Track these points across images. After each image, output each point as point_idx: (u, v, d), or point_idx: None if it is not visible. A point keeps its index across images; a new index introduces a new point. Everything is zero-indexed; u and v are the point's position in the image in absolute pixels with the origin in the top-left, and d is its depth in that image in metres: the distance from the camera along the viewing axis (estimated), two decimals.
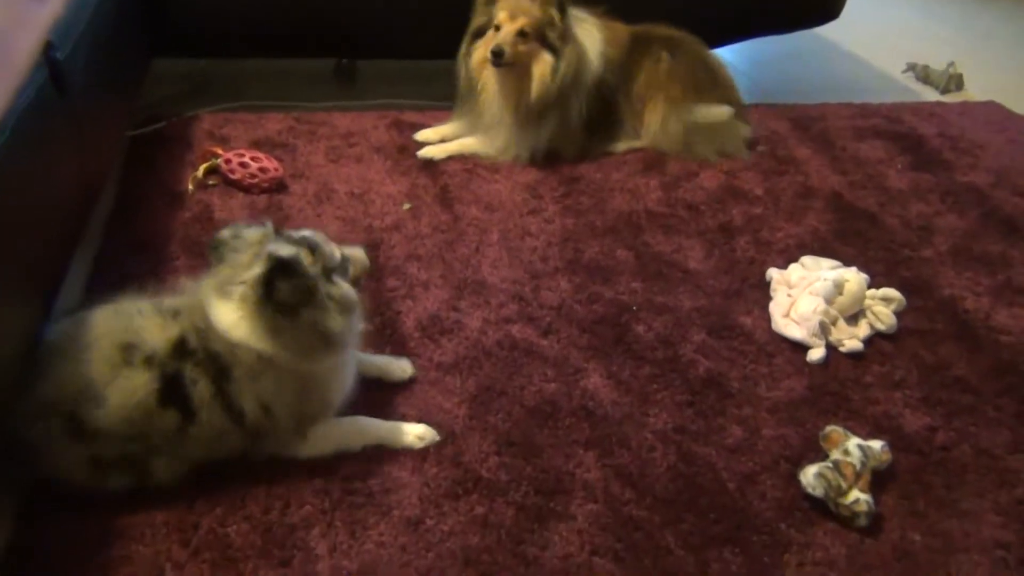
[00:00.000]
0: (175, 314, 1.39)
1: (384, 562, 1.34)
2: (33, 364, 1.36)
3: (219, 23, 2.55)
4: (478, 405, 1.63)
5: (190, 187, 2.18)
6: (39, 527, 1.35)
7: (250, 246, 1.39)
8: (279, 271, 1.33)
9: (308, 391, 1.44)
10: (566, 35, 2.36)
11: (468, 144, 2.47)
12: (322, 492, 1.43)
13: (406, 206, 2.20)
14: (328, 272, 1.41)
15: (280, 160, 2.27)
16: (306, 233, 1.43)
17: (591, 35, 2.45)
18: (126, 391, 1.32)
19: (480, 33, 2.40)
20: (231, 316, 1.36)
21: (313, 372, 1.43)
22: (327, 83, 2.88)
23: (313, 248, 1.39)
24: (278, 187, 2.21)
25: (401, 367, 1.67)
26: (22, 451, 1.35)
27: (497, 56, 2.29)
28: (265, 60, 2.86)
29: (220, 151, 2.24)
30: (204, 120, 2.50)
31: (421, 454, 1.52)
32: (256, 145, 2.36)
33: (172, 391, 1.34)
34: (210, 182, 2.21)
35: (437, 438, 1.55)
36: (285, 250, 1.35)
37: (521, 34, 2.31)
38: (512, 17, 2.31)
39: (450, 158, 2.43)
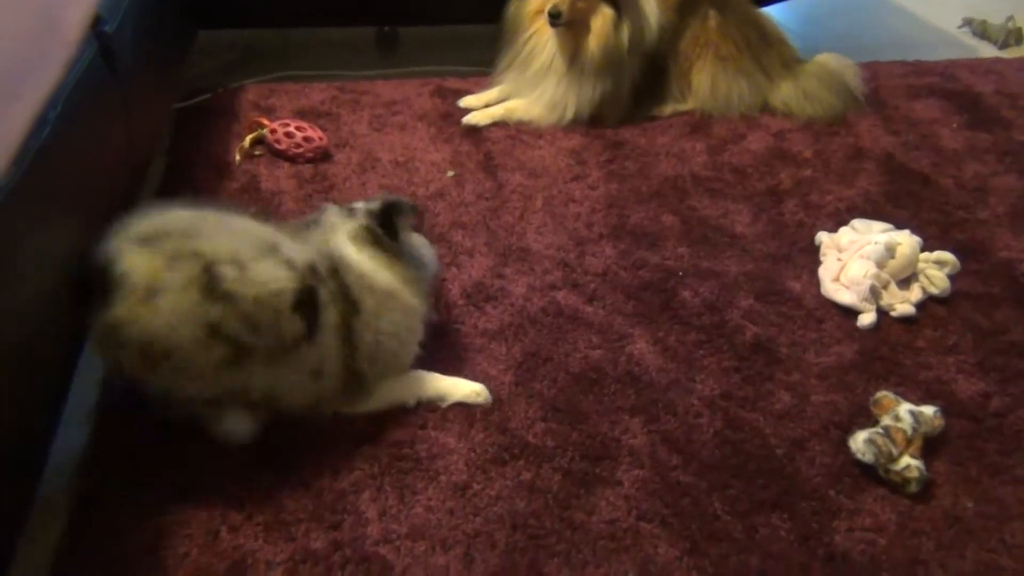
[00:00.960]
0: (305, 241, 1.46)
1: (432, 525, 1.36)
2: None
3: None
4: (524, 372, 1.64)
5: (237, 158, 2.20)
6: (102, 488, 1.39)
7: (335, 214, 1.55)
8: (392, 209, 1.52)
9: (412, 333, 1.54)
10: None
11: (513, 107, 2.45)
12: (371, 458, 1.46)
13: (450, 173, 2.20)
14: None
15: (324, 130, 2.28)
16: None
17: (650, 3, 2.40)
18: (269, 274, 1.32)
19: None
20: (359, 253, 1.47)
21: (418, 312, 1.53)
22: (369, 51, 2.87)
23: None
24: (323, 156, 2.23)
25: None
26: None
27: (554, 17, 2.26)
28: (308, 30, 2.86)
29: (265, 122, 2.26)
30: (249, 91, 2.52)
31: (468, 420, 1.54)
32: (301, 115, 2.37)
33: (306, 302, 1.34)
34: (256, 152, 2.23)
35: (491, 399, 1.57)
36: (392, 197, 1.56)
37: None
38: None
39: (493, 124, 2.41)
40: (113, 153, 1.67)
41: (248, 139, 2.23)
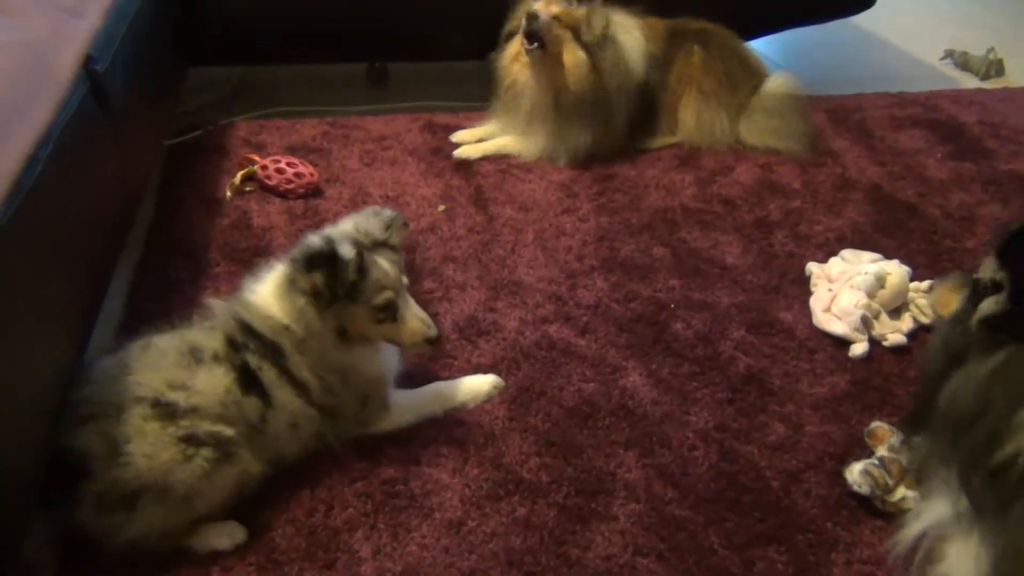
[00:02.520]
0: (211, 328, 1.44)
1: (427, 564, 1.34)
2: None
3: (253, 30, 2.57)
4: (517, 406, 1.63)
5: (228, 194, 2.20)
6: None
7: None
8: (316, 261, 1.39)
9: (348, 375, 1.48)
10: (603, 41, 2.34)
11: (504, 144, 2.46)
12: (364, 495, 1.44)
13: (441, 208, 2.21)
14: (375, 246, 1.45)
15: (315, 165, 2.28)
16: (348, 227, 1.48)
17: (633, 36, 2.43)
18: (213, 380, 1.35)
19: (515, 34, 2.38)
20: (267, 294, 1.45)
21: (344, 360, 1.46)
22: (360, 87, 2.89)
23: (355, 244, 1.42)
24: (314, 192, 2.23)
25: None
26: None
27: (532, 21, 2.26)
28: (298, 66, 2.89)
29: (256, 158, 2.26)
30: (240, 127, 2.53)
31: (462, 455, 1.52)
32: (291, 151, 2.38)
33: (248, 379, 1.38)
34: (247, 188, 2.23)
35: (502, 384, 1.66)
36: (317, 242, 1.43)
37: (556, 19, 2.29)
38: (547, 2, 2.30)
39: (484, 158, 2.43)
40: (104, 191, 1.67)
41: (239, 175, 2.23)
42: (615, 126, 2.43)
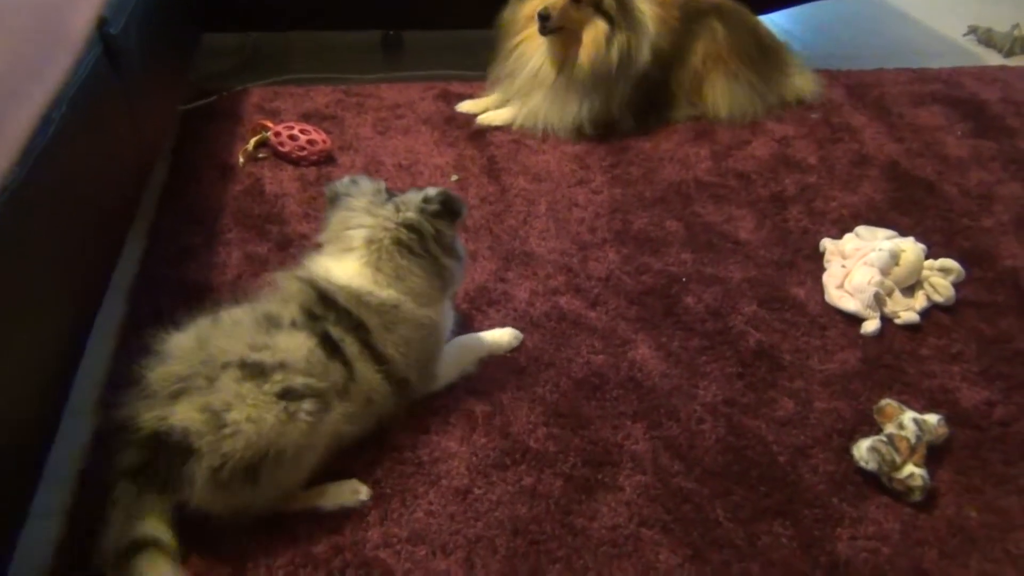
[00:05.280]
0: (283, 300, 1.41)
1: (433, 530, 1.36)
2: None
3: None
4: (526, 376, 1.63)
5: (241, 160, 2.20)
6: (97, 493, 1.38)
7: (364, 195, 1.50)
8: (442, 206, 1.49)
9: (432, 337, 1.52)
10: (627, 9, 2.31)
11: (512, 113, 2.44)
12: (373, 462, 1.45)
13: (454, 178, 2.20)
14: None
15: (328, 132, 2.28)
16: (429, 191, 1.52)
17: (648, 8, 2.38)
18: (296, 342, 1.32)
19: None
20: (351, 268, 1.45)
21: (430, 316, 1.49)
22: (374, 55, 2.88)
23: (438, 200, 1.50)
24: (327, 159, 2.23)
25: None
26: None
27: (544, 20, 2.24)
28: (313, 33, 2.87)
29: (270, 124, 2.26)
30: (253, 94, 2.52)
31: (470, 424, 1.53)
32: (305, 118, 2.37)
33: (331, 345, 1.35)
34: (260, 155, 2.23)
35: (522, 336, 1.71)
36: (432, 193, 1.50)
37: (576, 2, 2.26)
38: None
39: (497, 129, 2.41)
40: (117, 154, 1.67)
41: (252, 142, 2.23)
42: (611, 106, 2.38)
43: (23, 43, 1.32)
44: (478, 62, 2.61)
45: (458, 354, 1.62)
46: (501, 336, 1.69)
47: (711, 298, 1.85)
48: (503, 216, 2.07)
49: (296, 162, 2.21)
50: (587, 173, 2.26)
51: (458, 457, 1.47)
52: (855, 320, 1.79)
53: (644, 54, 2.36)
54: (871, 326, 1.77)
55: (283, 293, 1.43)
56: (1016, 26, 3.13)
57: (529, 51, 2.38)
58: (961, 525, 1.42)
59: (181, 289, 1.78)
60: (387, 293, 1.44)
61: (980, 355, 1.73)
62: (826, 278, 1.89)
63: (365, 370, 1.39)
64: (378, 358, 1.40)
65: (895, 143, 2.44)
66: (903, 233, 1.96)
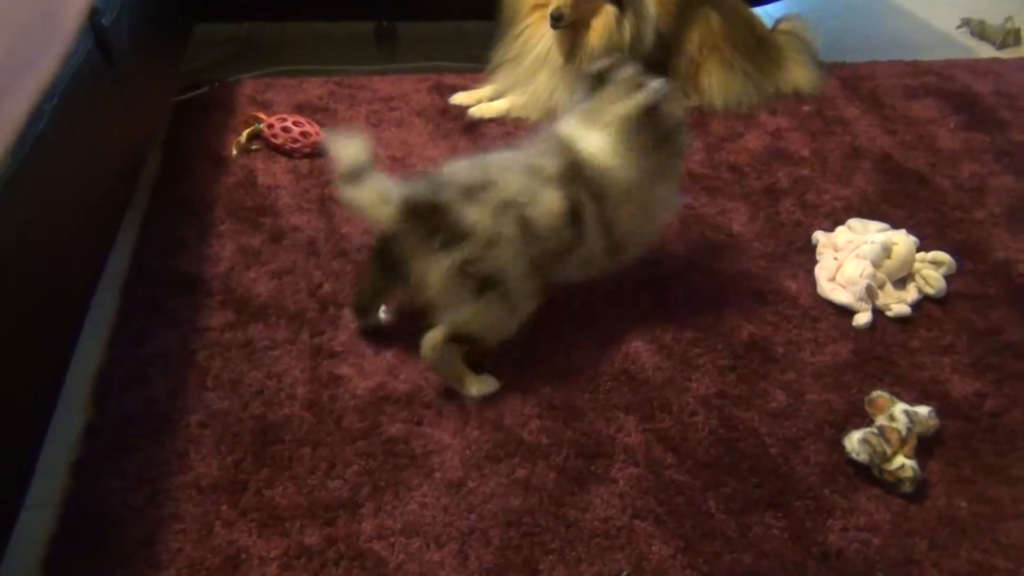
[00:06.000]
0: (548, 155, 1.58)
1: (427, 522, 1.36)
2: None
3: None
4: (519, 368, 1.64)
5: (234, 152, 2.20)
6: (90, 485, 1.39)
7: (622, 78, 1.63)
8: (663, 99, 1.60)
9: (663, 208, 1.74)
10: None
11: (511, 104, 2.43)
12: (366, 454, 1.46)
13: None
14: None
15: (321, 124, 2.27)
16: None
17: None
18: (551, 201, 1.52)
19: None
20: (602, 143, 1.59)
21: (662, 195, 1.69)
22: (367, 46, 2.86)
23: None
24: (320, 152, 2.22)
25: None
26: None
27: (556, 20, 2.23)
28: (306, 24, 2.85)
29: (262, 116, 2.25)
30: (246, 85, 2.51)
31: (463, 417, 1.53)
32: (298, 109, 2.36)
33: (573, 211, 1.54)
34: (253, 147, 2.23)
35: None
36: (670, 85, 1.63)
37: None
38: None
39: (491, 121, 2.41)
40: (110, 145, 1.67)
41: (245, 133, 2.22)
42: None
43: (15, 34, 1.32)
44: (472, 54, 2.60)
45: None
46: None
47: (704, 290, 1.85)
48: None
49: (289, 154, 2.20)
50: None
51: (451, 449, 1.48)
52: (847, 312, 1.80)
53: (650, 36, 2.36)
54: (863, 318, 1.77)
55: (546, 147, 1.60)
56: (1009, 19, 3.13)
57: (536, 36, 2.37)
58: (952, 516, 1.43)
59: (174, 281, 1.78)
60: (630, 170, 1.59)
61: (971, 347, 1.74)
62: (818, 270, 1.89)
63: (593, 236, 1.58)
64: (605, 225, 1.58)
65: (888, 136, 2.45)
66: (895, 225, 1.97)
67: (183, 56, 2.46)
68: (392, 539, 1.34)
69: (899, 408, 1.51)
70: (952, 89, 2.71)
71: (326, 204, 2.03)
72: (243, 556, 1.30)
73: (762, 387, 1.64)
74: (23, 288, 1.22)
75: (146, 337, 1.65)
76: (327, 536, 1.33)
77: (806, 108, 2.55)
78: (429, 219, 1.44)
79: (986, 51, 3.09)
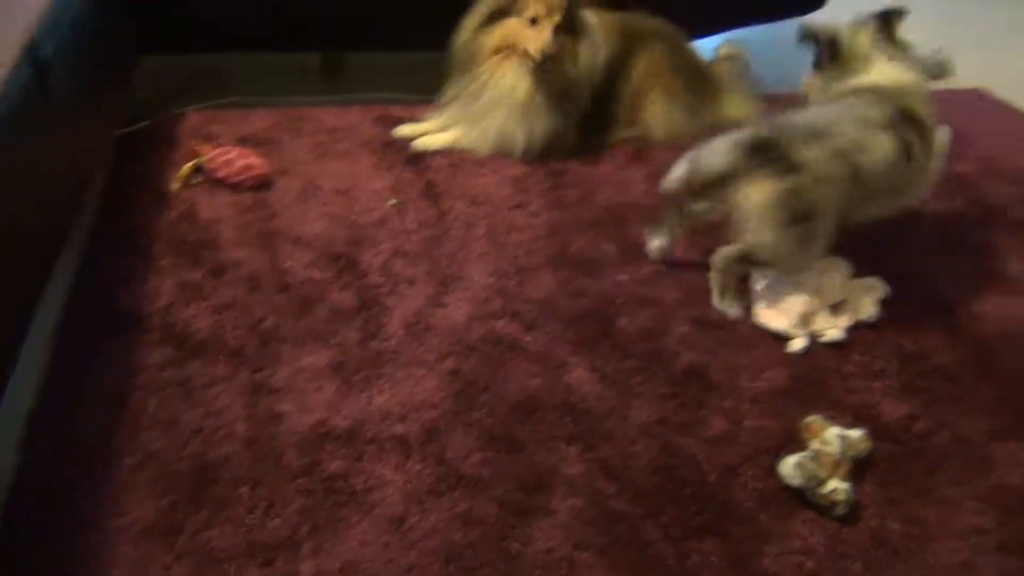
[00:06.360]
0: (871, 105, 1.81)
1: (366, 560, 1.36)
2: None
3: (205, 18, 2.54)
4: (462, 401, 1.65)
5: (175, 186, 2.18)
6: (20, 532, 1.36)
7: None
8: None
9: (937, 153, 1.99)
10: (583, 21, 2.36)
11: (458, 137, 2.45)
12: (305, 491, 1.45)
13: (392, 202, 2.21)
14: None
15: (266, 157, 2.27)
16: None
17: (598, 29, 2.43)
18: (884, 144, 1.77)
19: (498, 16, 2.33)
20: (921, 87, 1.94)
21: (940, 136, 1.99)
22: (313, 78, 2.87)
23: None
24: (263, 184, 2.22)
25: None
26: None
27: (544, 62, 2.27)
28: (251, 55, 2.85)
29: (205, 149, 2.24)
30: (191, 117, 2.50)
31: (405, 451, 1.53)
32: (242, 142, 2.36)
33: (906, 150, 1.79)
34: (195, 180, 2.21)
35: None
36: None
37: (555, 29, 2.28)
38: (549, 12, 2.27)
39: (436, 153, 2.43)
40: (48, 181, 1.65)
41: (187, 167, 2.21)
42: (570, 121, 2.43)
43: None
44: (419, 86, 2.62)
45: None
46: None
47: (645, 319, 1.88)
48: (441, 240, 2.08)
49: (232, 187, 2.19)
50: (526, 196, 2.28)
51: (392, 485, 1.48)
52: (783, 339, 1.84)
53: (601, 60, 2.42)
54: (798, 344, 1.82)
55: (870, 98, 1.83)
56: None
57: (496, 76, 2.37)
58: (884, 537, 1.46)
59: (111, 318, 1.76)
60: (929, 113, 1.89)
61: (901, 371, 1.79)
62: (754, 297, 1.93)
63: (917, 172, 1.84)
64: (919, 163, 1.83)
65: None
66: (829, 253, 2.01)
67: (127, 89, 2.44)
68: None
69: (832, 432, 1.54)
70: None
71: (269, 238, 2.03)
72: None
73: (702, 414, 1.67)
74: None
75: (81, 376, 1.63)
76: None
77: None
78: (769, 151, 1.70)
79: None
